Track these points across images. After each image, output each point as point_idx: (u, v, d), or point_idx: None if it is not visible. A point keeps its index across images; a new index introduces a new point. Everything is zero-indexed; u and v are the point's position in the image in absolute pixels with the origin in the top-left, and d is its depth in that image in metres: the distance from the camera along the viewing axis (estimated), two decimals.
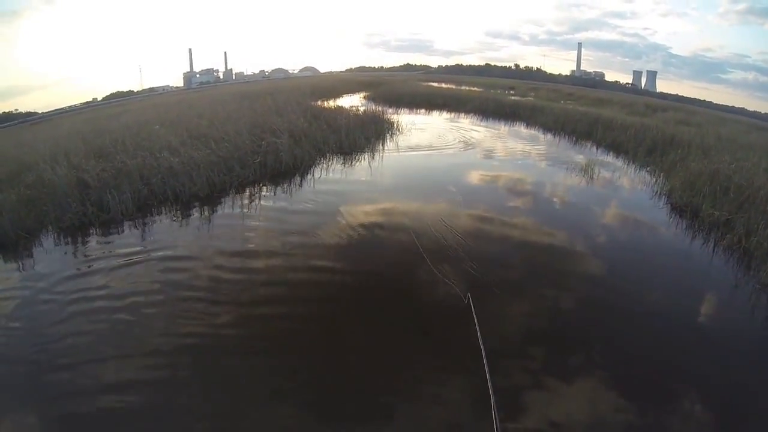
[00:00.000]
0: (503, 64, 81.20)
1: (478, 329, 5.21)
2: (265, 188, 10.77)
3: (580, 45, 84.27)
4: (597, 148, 17.65)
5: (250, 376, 4.85)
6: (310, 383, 4.80)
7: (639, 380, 4.93)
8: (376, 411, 4.48)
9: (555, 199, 11.13)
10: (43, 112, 43.85)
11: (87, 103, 51.69)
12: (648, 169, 14.29)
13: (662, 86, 71.92)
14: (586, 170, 13.25)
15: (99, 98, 55.49)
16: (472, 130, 20.26)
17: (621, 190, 12.37)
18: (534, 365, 5.10)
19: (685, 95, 62.16)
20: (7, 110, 45.69)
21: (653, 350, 5.45)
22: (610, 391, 4.77)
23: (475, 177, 12.53)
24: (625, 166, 15.13)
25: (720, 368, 5.21)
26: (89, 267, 7.05)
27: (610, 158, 16.24)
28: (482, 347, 4.82)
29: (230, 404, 4.44)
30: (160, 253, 7.43)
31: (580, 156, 15.96)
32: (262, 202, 9.86)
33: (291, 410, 4.45)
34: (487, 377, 4.34)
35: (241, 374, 4.85)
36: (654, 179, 12.97)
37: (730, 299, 6.91)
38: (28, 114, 43.73)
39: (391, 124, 18.93)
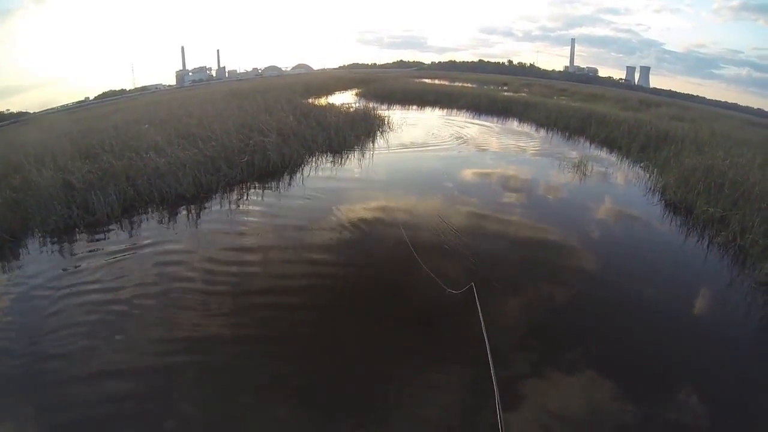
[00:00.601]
0: (497, 61, 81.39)
1: (481, 318, 5.19)
2: (252, 188, 10.61)
3: (573, 41, 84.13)
4: (590, 144, 17.62)
5: (246, 366, 4.85)
6: (308, 375, 4.79)
7: (638, 372, 5.01)
8: (375, 398, 4.51)
9: (548, 196, 11.03)
10: (34, 112, 43.49)
11: (79, 102, 51.26)
12: (642, 164, 14.25)
13: (656, 82, 71.94)
14: (580, 166, 13.16)
15: (91, 97, 55.08)
16: (465, 126, 20.15)
17: (615, 187, 12.28)
18: (533, 353, 5.20)
19: (678, 91, 62.46)
20: None
21: (649, 344, 5.49)
22: (609, 382, 4.82)
23: (468, 173, 12.41)
24: (619, 161, 15.09)
25: (715, 363, 5.26)
26: (74, 269, 6.95)
27: (603, 154, 16.21)
28: (485, 335, 4.79)
29: (225, 395, 4.44)
30: (144, 254, 7.31)
31: (573, 152, 15.88)
32: (249, 202, 9.71)
33: (288, 402, 4.43)
34: (491, 365, 4.29)
35: (237, 365, 4.85)
36: (648, 175, 12.92)
37: (725, 297, 6.84)
38: (20, 114, 43.36)
39: (383, 120, 18.79)
